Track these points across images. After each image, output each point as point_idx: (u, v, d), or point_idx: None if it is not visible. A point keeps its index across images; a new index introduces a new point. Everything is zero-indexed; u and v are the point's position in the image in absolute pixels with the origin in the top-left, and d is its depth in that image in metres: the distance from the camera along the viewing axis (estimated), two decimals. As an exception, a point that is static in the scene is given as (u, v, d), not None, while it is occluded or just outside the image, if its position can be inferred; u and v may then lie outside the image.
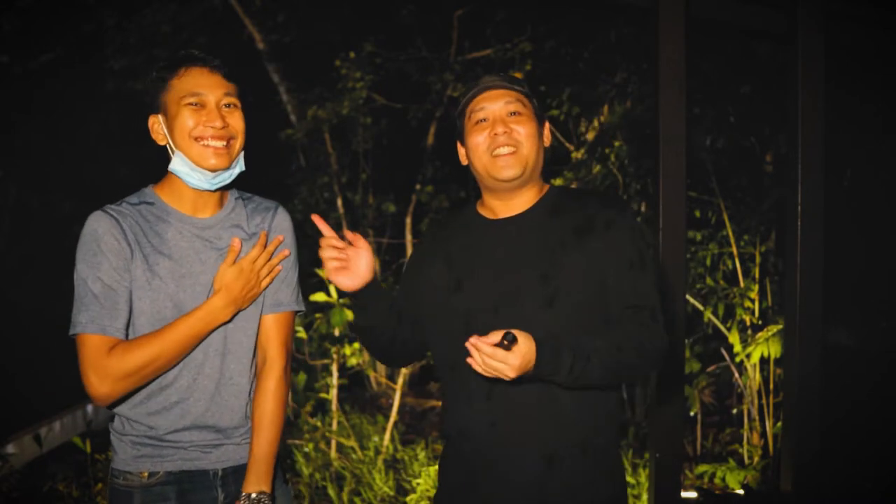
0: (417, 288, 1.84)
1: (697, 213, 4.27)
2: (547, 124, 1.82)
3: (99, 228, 1.62)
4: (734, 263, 4.20)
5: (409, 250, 6.12)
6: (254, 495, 1.65)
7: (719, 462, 3.84)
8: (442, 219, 1.96)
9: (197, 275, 1.67)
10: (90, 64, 7.06)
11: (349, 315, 3.86)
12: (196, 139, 1.65)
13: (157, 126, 1.70)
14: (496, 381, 1.63)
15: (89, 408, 5.09)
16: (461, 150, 1.84)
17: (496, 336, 1.47)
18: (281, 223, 1.78)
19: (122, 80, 6.76)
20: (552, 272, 1.67)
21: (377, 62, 5.97)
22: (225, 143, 1.66)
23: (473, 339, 1.47)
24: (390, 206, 6.19)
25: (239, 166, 1.72)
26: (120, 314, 1.62)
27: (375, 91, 6.08)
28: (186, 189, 1.70)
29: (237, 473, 1.71)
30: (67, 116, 8.10)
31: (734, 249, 4.19)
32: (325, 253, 1.72)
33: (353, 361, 4.08)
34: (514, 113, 1.74)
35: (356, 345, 4.12)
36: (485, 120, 1.75)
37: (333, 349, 4.09)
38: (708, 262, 4.21)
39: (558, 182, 4.93)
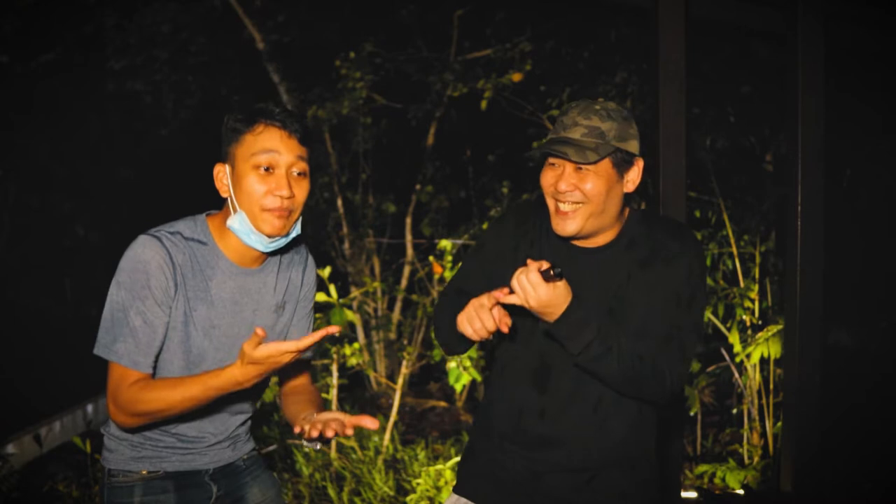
0: (488, 272, 1.84)
1: (697, 213, 4.27)
2: (639, 164, 1.69)
3: (151, 261, 1.58)
4: (734, 263, 4.20)
5: (410, 250, 6.12)
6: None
7: (719, 462, 3.84)
8: (528, 206, 1.89)
9: (227, 326, 1.68)
10: (90, 64, 7.05)
11: (349, 315, 3.85)
12: (262, 209, 1.61)
13: (221, 176, 1.65)
14: (546, 383, 1.70)
15: (89, 408, 5.08)
16: None
17: (548, 264, 1.53)
18: (310, 278, 1.84)
19: (122, 80, 6.75)
20: (618, 306, 1.68)
21: (377, 62, 5.96)
22: (287, 212, 1.63)
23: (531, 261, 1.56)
24: (390, 206, 6.18)
25: (295, 230, 1.69)
26: (153, 351, 1.63)
27: (375, 91, 6.07)
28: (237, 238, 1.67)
29: (225, 471, 1.80)
30: (67, 116, 8.10)
31: (734, 249, 4.19)
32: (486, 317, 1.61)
33: (352, 361, 4.07)
34: (583, 167, 1.64)
35: (356, 345, 4.11)
36: (555, 165, 1.70)
37: (333, 349, 4.08)
38: (708, 262, 4.20)
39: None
